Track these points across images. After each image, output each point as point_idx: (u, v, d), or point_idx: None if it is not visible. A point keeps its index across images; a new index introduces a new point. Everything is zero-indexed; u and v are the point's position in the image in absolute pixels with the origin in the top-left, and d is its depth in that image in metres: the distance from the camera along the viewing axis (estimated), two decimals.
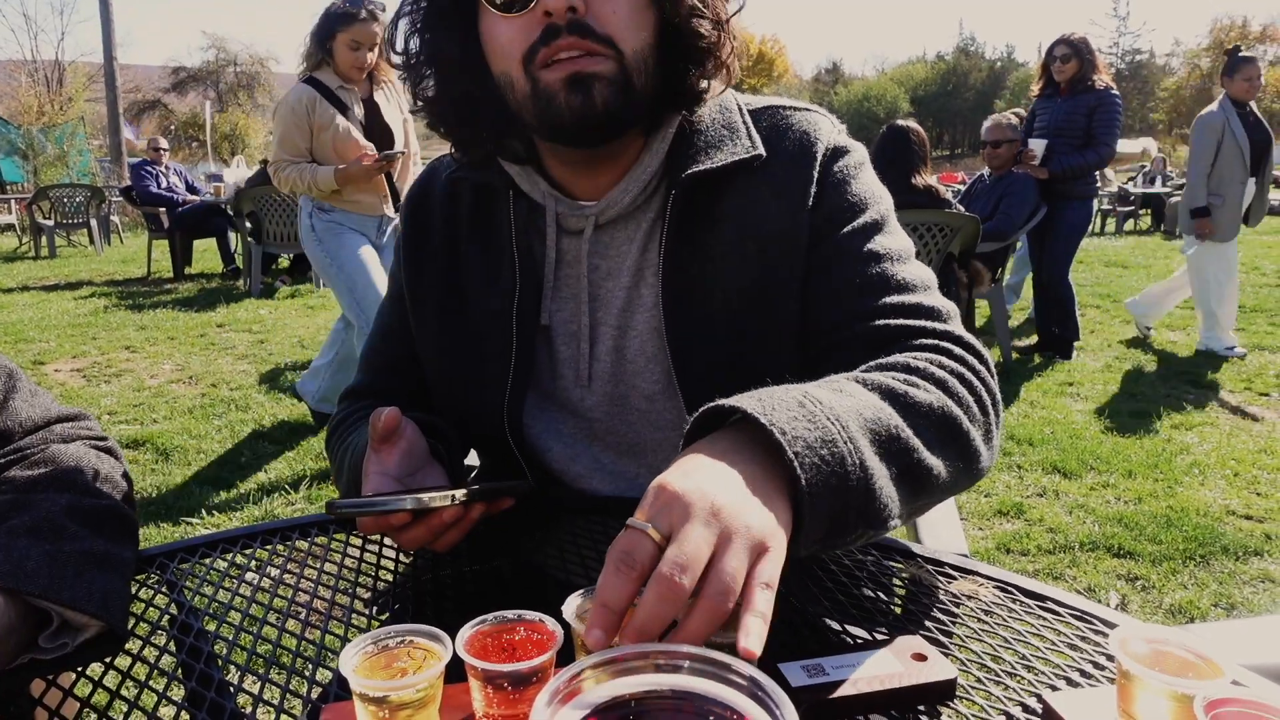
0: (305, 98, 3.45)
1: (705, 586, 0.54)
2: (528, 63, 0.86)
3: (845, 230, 0.93)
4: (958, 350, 0.85)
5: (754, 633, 0.52)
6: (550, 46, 0.84)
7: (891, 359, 0.82)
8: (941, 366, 0.81)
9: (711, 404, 0.66)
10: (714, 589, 0.53)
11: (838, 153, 0.97)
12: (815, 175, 0.95)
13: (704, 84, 0.93)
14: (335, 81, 3.48)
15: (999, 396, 0.85)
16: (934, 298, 0.92)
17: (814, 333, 0.93)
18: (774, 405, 0.65)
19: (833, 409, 0.67)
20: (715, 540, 0.55)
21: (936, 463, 0.74)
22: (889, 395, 0.74)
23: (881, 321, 0.89)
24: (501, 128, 0.96)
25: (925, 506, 0.77)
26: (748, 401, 0.65)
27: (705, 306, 0.94)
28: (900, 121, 4.67)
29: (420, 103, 0.97)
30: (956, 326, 0.89)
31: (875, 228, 0.95)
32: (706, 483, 0.58)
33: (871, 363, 0.82)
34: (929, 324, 0.88)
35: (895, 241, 0.95)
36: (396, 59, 0.96)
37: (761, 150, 0.95)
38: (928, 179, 4.55)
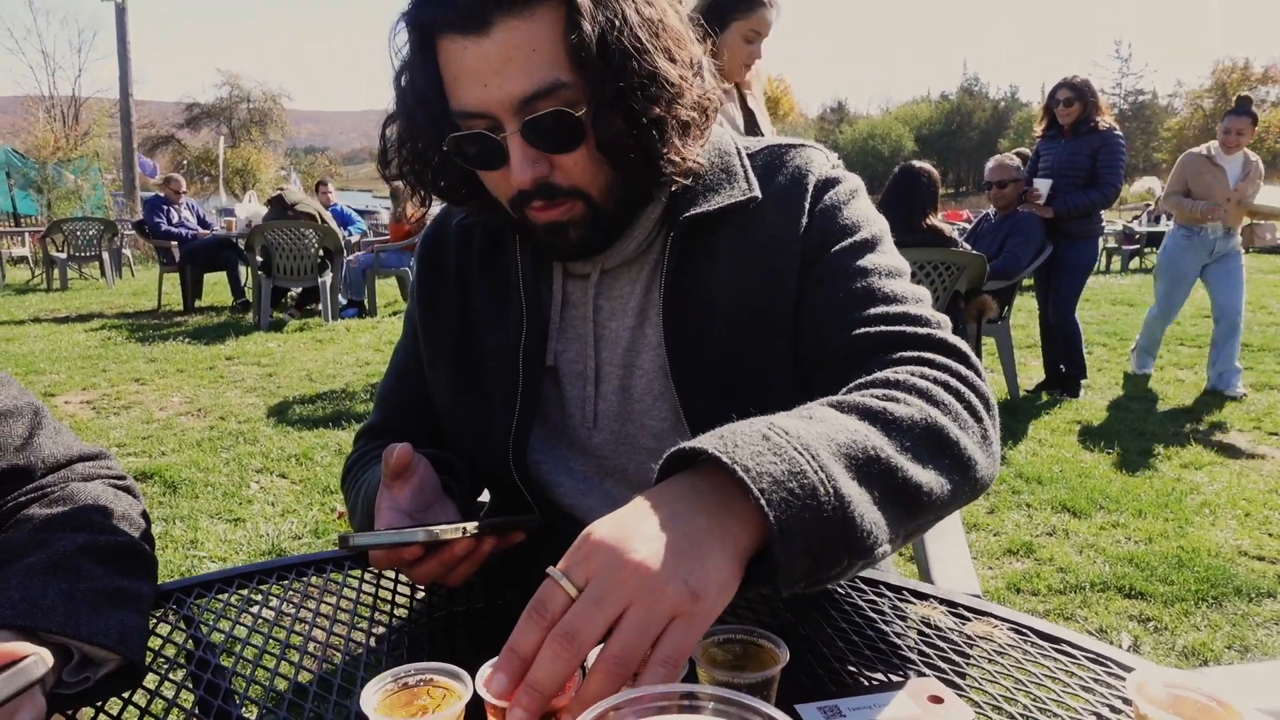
0: None
1: (604, 651, 0.53)
2: (513, 205, 0.93)
3: (835, 250, 0.95)
4: (941, 359, 0.83)
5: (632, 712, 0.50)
6: (527, 206, 0.91)
7: (872, 376, 0.81)
8: (924, 376, 0.79)
9: (675, 448, 0.64)
10: (610, 656, 0.53)
11: (829, 183, 0.99)
12: (806, 206, 0.97)
13: (681, 170, 0.94)
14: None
15: (992, 400, 0.82)
16: (922, 308, 0.91)
17: (804, 351, 0.94)
18: (736, 442, 0.62)
19: (801, 438, 0.64)
20: (624, 601, 0.54)
21: (927, 477, 0.70)
22: (866, 414, 0.72)
23: (864, 330, 0.88)
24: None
25: (926, 524, 0.74)
26: (710, 441, 0.63)
27: (706, 343, 0.96)
28: (915, 163, 4.72)
29: (423, 201, 1.02)
30: (944, 333, 0.88)
31: (866, 246, 0.96)
32: (634, 534, 0.57)
33: (852, 383, 0.81)
34: (913, 329, 0.87)
35: (886, 260, 0.95)
36: (392, 171, 0.99)
37: (758, 192, 0.98)
38: (934, 220, 4.58)
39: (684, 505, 0.60)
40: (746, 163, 1.01)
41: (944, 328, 0.89)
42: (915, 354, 0.84)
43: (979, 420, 0.79)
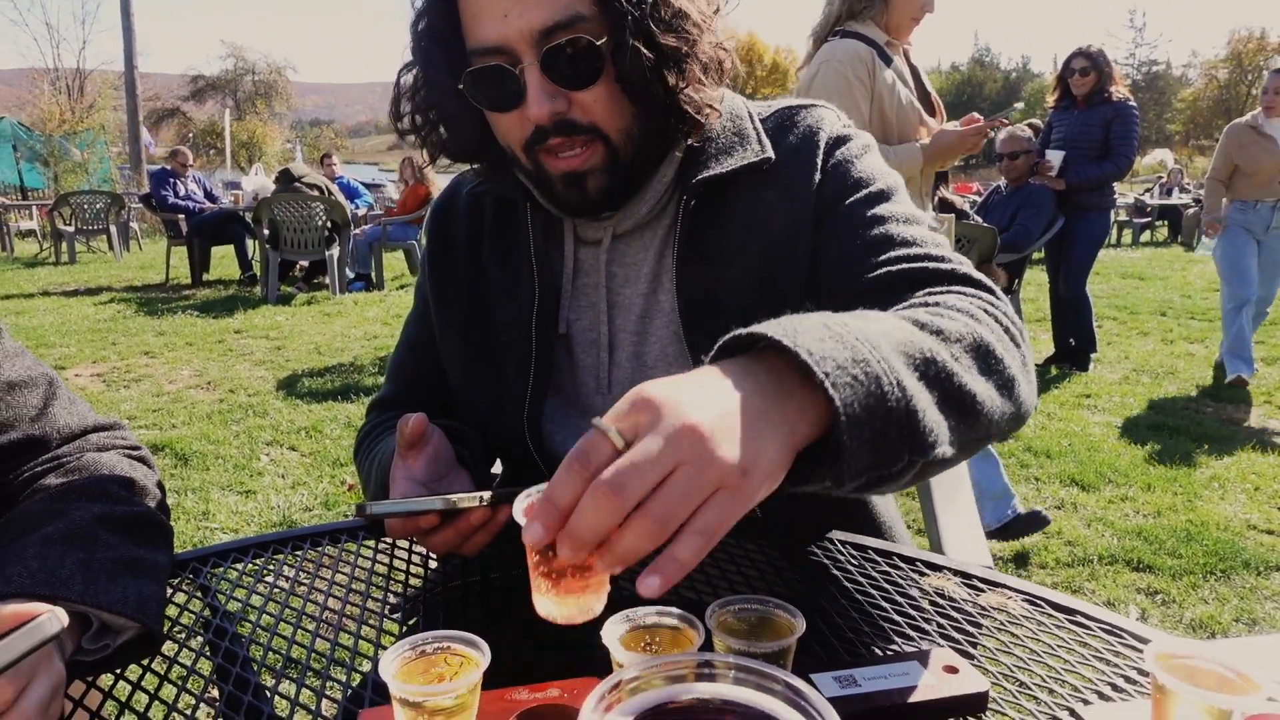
0: (864, 52, 2.51)
1: (644, 505, 0.50)
2: (528, 149, 0.91)
3: (849, 201, 0.94)
4: (971, 290, 0.82)
5: (659, 573, 0.49)
6: (543, 144, 0.89)
7: (913, 299, 0.79)
8: (963, 298, 0.79)
9: (732, 333, 0.61)
10: (649, 512, 0.50)
11: (840, 140, 0.98)
12: (819, 163, 0.96)
13: (688, 123, 0.93)
14: (881, 36, 2.57)
15: (1024, 329, 0.80)
16: (943, 249, 0.89)
17: (823, 303, 0.93)
18: (797, 329, 0.60)
19: (861, 331, 0.62)
20: (674, 460, 0.51)
21: (981, 387, 0.68)
22: (918, 324, 0.70)
23: (886, 270, 0.87)
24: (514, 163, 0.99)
25: (974, 441, 0.70)
26: (769, 326, 0.60)
27: (722, 307, 0.95)
28: None
29: (431, 157, 1.01)
30: (968, 269, 0.86)
31: (880, 197, 0.95)
32: (692, 398, 0.53)
33: (892, 309, 0.78)
34: (937, 265, 0.86)
35: (901, 209, 0.94)
36: (404, 125, 0.98)
37: (770, 153, 0.97)
38: (943, 192, 4.54)
39: (740, 384, 0.56)
40: (758, 125, 1.00)
41: (967, 265, 0.87)
42: (944, 288, 0.82)
43: (1017, 345, 0.77)
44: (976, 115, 2.60)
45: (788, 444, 0.56)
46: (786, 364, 0.58)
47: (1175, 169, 16.18)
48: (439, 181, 8.68)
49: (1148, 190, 15.43)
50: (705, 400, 0.54)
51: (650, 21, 0.85)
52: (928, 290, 0.82)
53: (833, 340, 0.59)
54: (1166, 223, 14.23)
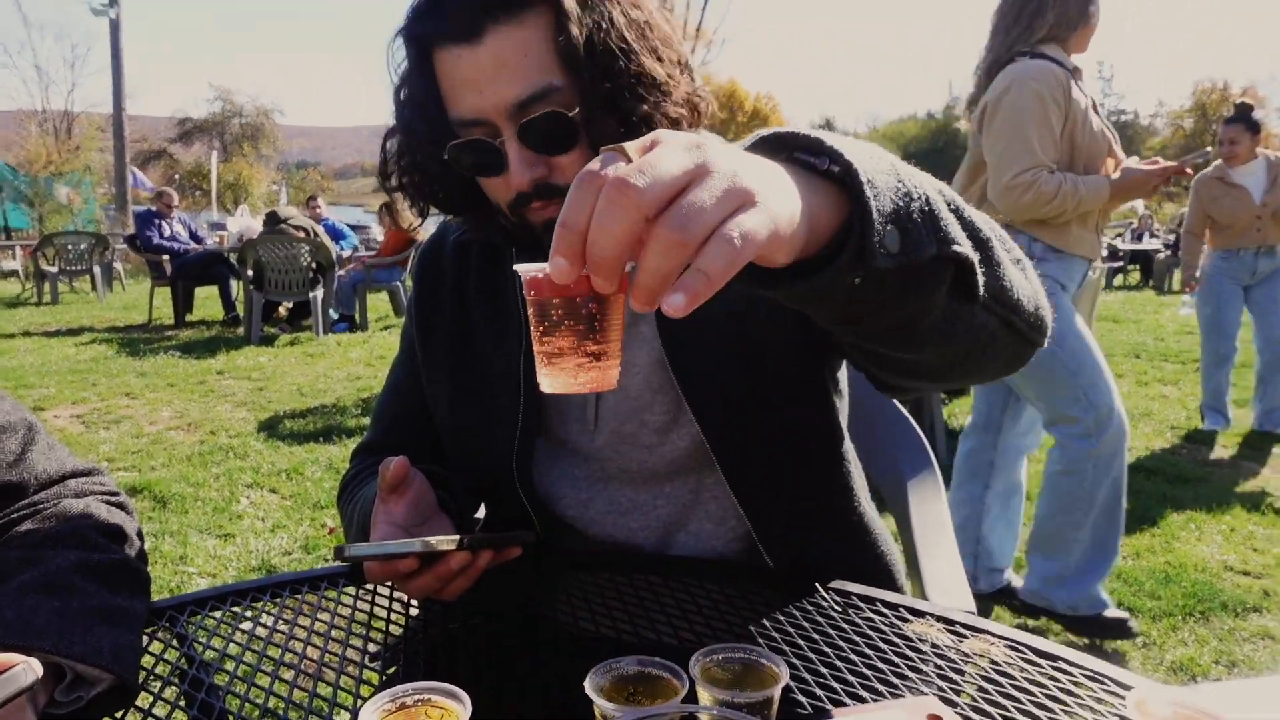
0: (1060, 74, 2.33)
1: (663, 213, 0.46)
2: (512, 209, 0.94)
3: None
4: None
5: (686, 287, 0.45)
6: (526, 208, 0.92)
7: None
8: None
9: (752, 137, 0.59)
10: (670, 219, 0.45)
11: None
12: None
13: None
14: (1069, 60, 2.40)
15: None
16: None
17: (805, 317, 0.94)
18: (806, 133, 0.58)
19: (869, 148, 0.60)
20: (689, 168, 0.47)
21: (996, 244, 0.68)
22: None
23: None
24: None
25: (998, 297, 0.68)
26: (782, 130, 0.58)
27: (704, 328, 0.96)
28: None
29: (421, 213, 1.03)
30: None
31: None
32: (708, 143, 0.50)
33: None
34: None
35: None
36: (392, 184, 1.00)
37: None
38: None
39: (762, 161, 0.54)
40: None
41: None
42: None
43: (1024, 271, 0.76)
44: (1160, 159, 2.47)
45: (806, 205, 0.53)
46: (799, 163, 0.57)
47: (1145, 215, 16.50)
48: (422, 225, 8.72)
49: (1119, 235, 15.73)
50: (722, 148, 0.51)
51: (619, 90, 0.87)
52: None
53: (849, 142, 0.58)
54: (1138, 267, 14.50)
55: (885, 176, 0.58)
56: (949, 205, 0.64)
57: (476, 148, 0.90)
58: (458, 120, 0.90)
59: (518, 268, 0.56)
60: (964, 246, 0.62)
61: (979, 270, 0.64)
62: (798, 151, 0.58)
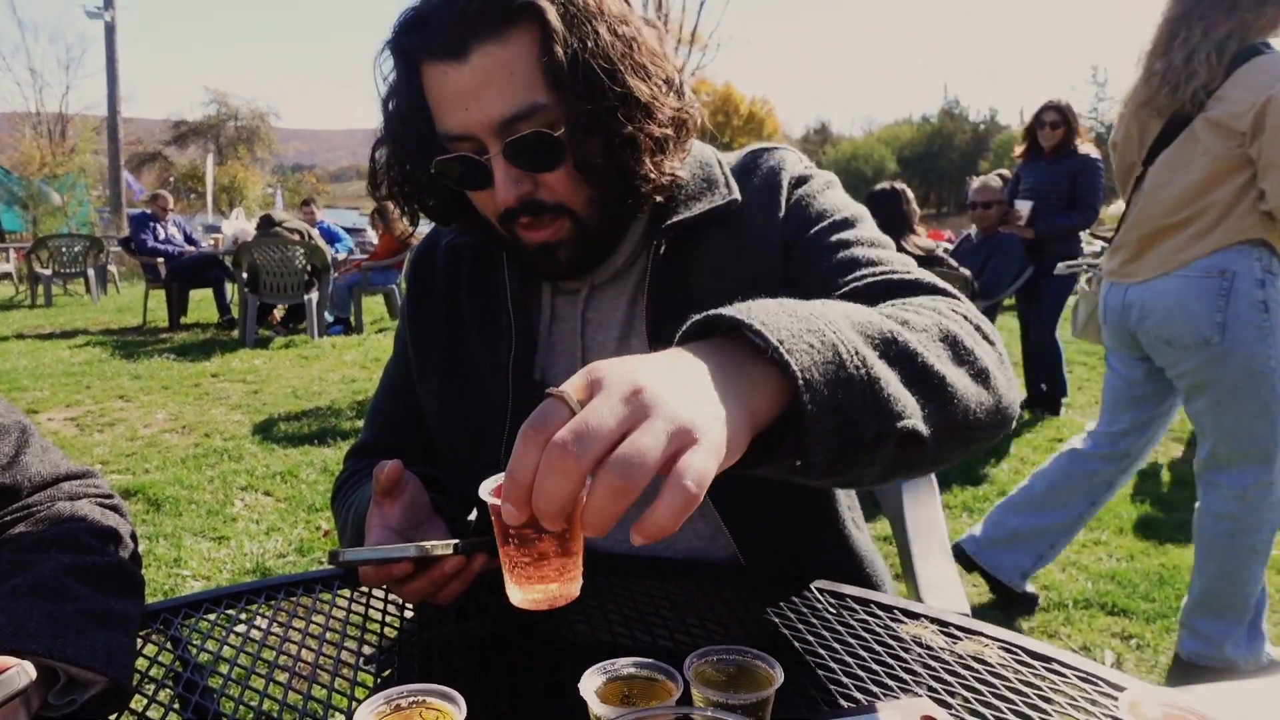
0: None
1: (605, 462, 0.48)
2: (501, 222, 0.95)
3: (813, 232, 0.97)
4: (940, 297, 0.82)
5: (644, 533, 0.47)
6: (515, 224, 0.93)
7: (879, 305, 0.77)
8: (930, 299, 0.79)
9: (689, 322, 0.61)
10: (612, 466, 0.47)
11: (803, 179, 1.02)
12: (782, 201, 1.00)
13: (657, 184, 0.95)
14: None
15: (996, 333, 0.80)
16: (909, 266, 0.91)
17: None
18: (751, 308, 0.59)
19: (814, 310, 0.61)
20: (628, 416, 0.49)
21: (948, 370, 0.67)
22: (880, 314, 0.69)
23: (853, 287, 0.88)
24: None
25: (953, 429, 0.67)
26: (725, 310, 0.60)
27: None
28: (888, 184, 4.77)
29: (413, 217, 1.03)
30: (934, 279, 0.87)
31: (844, 225, 0.97)
32: (643, 366, 0.53)
33: None
34: (904, 277, 0.87)
35: (865, 233, 0.96)
36: (381, 192, 1.01)
37: (737, 195, 1.00)
38: (917, 240, 4.62)
39: (699, 365, 0.56)
40: (726, 170, 1.03)
41: (933, 277, 0.88)
42: (912, 296, 0.82)
43: (991, 344, 0.76)
44: None
45: (745, 411, 0.55)
46: (742, 341, 0.58)
47: None
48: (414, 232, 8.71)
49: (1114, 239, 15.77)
50: (658, 369, 0.53)
51: (602, 110, 0.88)
52: (895, 298, 0.83)
53: (787, 316, 0.59)
54: None
55: (824, 363, 0.57)
56: (898, 357, 0.64)
57: (463, 164, 0.91)
58: (444, 135, 0.90)
59: (483, 493, 0.58)
60: (908, 415, 0.61)
61: (926, 426, 0.63)
62: (743, 330, 0.58)
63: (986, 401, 0.71)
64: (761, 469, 0.58)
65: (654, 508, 0.48)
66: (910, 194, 4.72)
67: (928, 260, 4.56)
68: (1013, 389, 0.76)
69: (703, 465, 0.49)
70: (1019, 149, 5.29)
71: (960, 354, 0.71)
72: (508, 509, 0.50)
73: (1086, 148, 5.01)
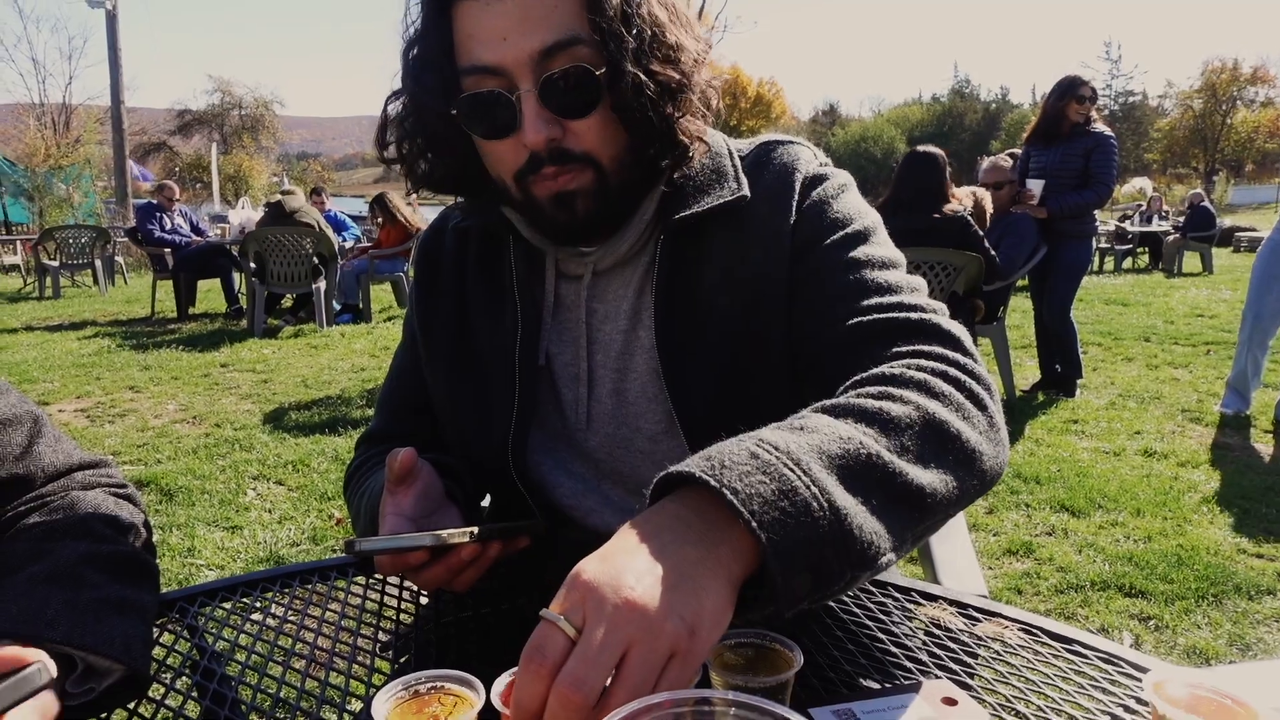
0: None
1: (610, 698, 0.52)
2: (519, 177, 0.92)
3: (824, 244, 0.94)
4: (937, 348, 0.81)
5: None
6: (536, 173, 0.90)
7: (867, 373, 0.79)
8: (920, 369, 0.77)
9: (663, 473, 0.64)
10: (615, 698, 0.52)
11: (816, 180, 0.99)
12: (794, 204, 0.97)
13: (679, 154, 0.94)
14: None
15: (993, 385, 0.80)
16: (917, 297, 0.89)
17: (798, 348, 0.93)
18: (725, 463, 0.61)
19: (791, 453, 0.63)
20: (624, 642, 0.53)
21: (930, 477, 0.68)
22: (862, 417, 0.70)
23: (857, 321, 0.87)
24: (499, 196, 0.99)
25: (935, 525, 0.71)
26: (697, 463, 0.62)
27: (699, 346, 0.96)
28: (926, 147, 4.69)
29: (415, 184, 1.01)
30: (939, 319, 0.86)
31: (857, 239, 0.95)
32: (625, 571, 0.56)
33: (848, 382, 0.79)
34: (906, 316, 0.85)
35: (879, 251, 0.94)
36: (389, 153, 0.99)
37: (746, 191, 0.98)
38: (951, 208, 4.54)
39: (672, 536, 0.59)
40: (737, 162, 1.01)
41: (940, 314, 0.87)
42: (910, 345, 0.82)
43: (983, 408, 0.77)
44: None
45: (727, 584, 0.58)
46: (715, 502, 0.60)
47: (1155, 196, 16.42)
48: (416, 216, 8.71)
49: (1128, 218, 15.64)
50: (639, 569, 0.56)
51: (644, 52, 0.86)
52: (895, 351, 0.82)
53: (760, 472, 0.61)
54: (1147, 249, 14.43)
55: (796, 525, 0.59)
56: (877, 483, 0.65)
57: (490, 102, 0.87)
58: (471, 68, 0.87)
59: (494, 699, 0.60)
60: (883, 552, 0.63)
61: (902, 547, 0.66)
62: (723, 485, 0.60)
63: (970, 487, 0.72)
64: (741, 619, 0.61)
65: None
66: (945, 159, 4.64)
67: (966, 234, 4.46)
68: (1001, 451, 0.77)
69: (684, 681, 0.54)
70: (1029, 128, 5.23)
71: (946, 445, 0.71)
72: None
73: (1100, 125, 4.95)
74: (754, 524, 0.57)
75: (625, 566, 0.56)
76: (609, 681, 0.52)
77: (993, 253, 4.57)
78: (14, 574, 0.75)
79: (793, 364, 0.94)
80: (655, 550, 0.57)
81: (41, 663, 0.61)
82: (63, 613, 0.72)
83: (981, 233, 4.59)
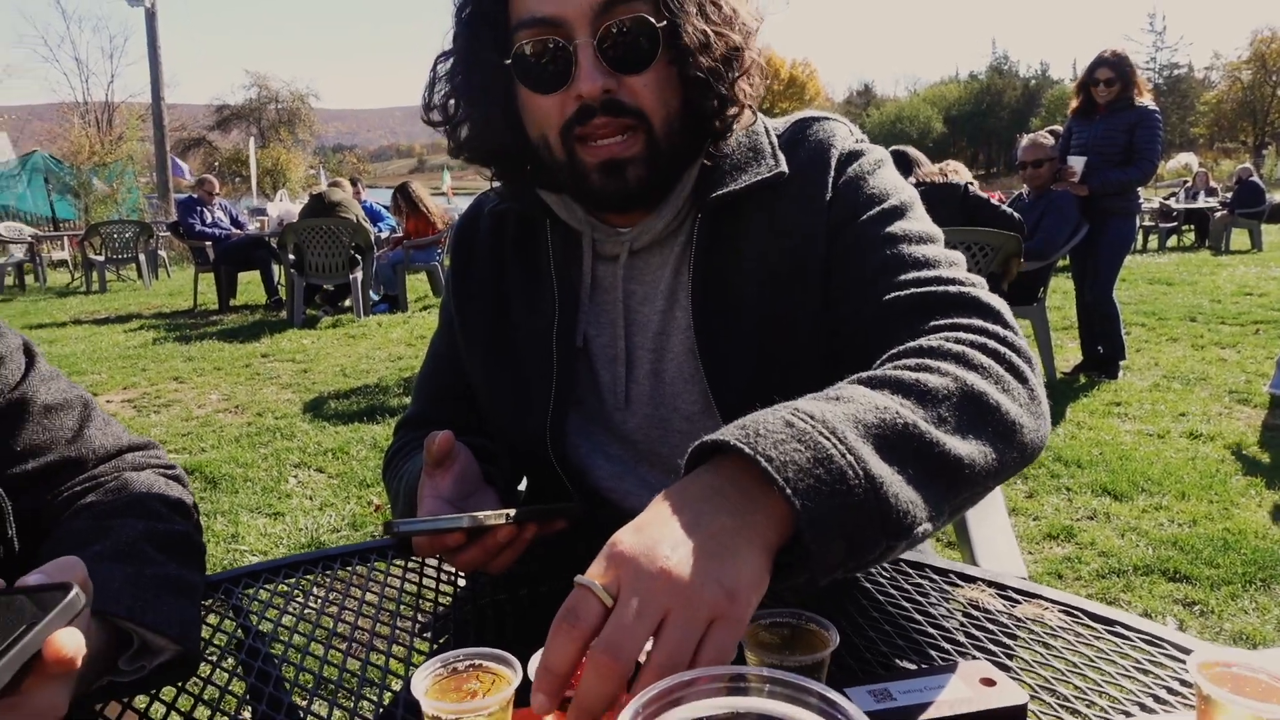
0: None
1: (650, 660, 0.51)
2: (565, 134, 0.91)
3: (861, 220, 0.94)
4: (977, 321, 0.80)
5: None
6: (586, 125, 0.89)
7: (904, 346, 0.78)
8: (959, 341, 0.76)
9: (698, 442, 0.63)
10: (656, 665, 0.51)
11: (852, 156, 0.98)
12: (830, 180, 0.96)
13: (730, 118, 0.94)
14: None
15: (1034, 358, 0.79)
16: (955, 271, 0.88)
17: (835, 325, 0.93)
18: (759, 431, 0.61)
19: (827, 422, 0.62)
20: (661, 609, 0.52)
21: (968, 448, 0.67)
22: (899, 388, 0.69)
23: (894, 296, 0.86)
24: (538, 169, 1.00)
25: (974, 496, 0.70)
26: (732, 432, 0.61)
27: (736, 326, 0.95)
28: (894, 148, 4.70)
29: (457, 147, 1.01)
30: (977, 292, 0.85)
31: (893, 214, 0.94)
32: (661, 541, 0.55)
33: (884, 355, 0.78)
34: (944, 289, 0.85)
35: (916, 226, 0.93)
36: (434, 115, 0.99)
37: (784, 168, 0.97)
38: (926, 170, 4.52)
39: (708, 505, 0.59)
40: (773, 140, 1.00)
41: (979, 287, 0.86)
42: (949, 319, 0.81)
43: (1023, 380, 0.76)
44: None
45: (764, 552, 0.57)
46: (750, 470, 0.59)
47: (1200, 172, 15.96)
48: (438, 207, 8.77)
49: (1173, 194, 15.23)
50: (675, 539, 0.55)
51: (705, 12, 0.87)
52: (932, 324, 0.81)
53: (794, 440, 0.60)
54: (1193, 227, 14.04)
55: (831, 494, 0.58)
56: (914, 454, 0.64)
57: (545, 50, 0.87)
58: (528, 20, 0.88)
59: (531, 665, 0.58)
60: (919, 521, 0.62)
61: (939, 517, 0.65)
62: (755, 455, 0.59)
63: (1010, 459, 0.71)
64: (778, 586, 0.60)
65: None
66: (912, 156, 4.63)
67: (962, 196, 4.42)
68: (1043, 424, 0.76)
69: (728, 647, 0.53)
70: (1074, 104, 5.10)
71: (985, 417, 0.70)
72: (539, 699, 0.52)
73: (1144, 100, 4.82)
74: (788, 491, 0.57)
75: (661, 536, 0.56)
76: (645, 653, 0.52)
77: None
78: (80, 550, 0.77)
79: (824, 345, 0.94)
80: (690, 520, 0.57)
81: (76, 589, 0.60)
82: (125, 589, 0.73)
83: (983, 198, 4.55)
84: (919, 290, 0.85)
